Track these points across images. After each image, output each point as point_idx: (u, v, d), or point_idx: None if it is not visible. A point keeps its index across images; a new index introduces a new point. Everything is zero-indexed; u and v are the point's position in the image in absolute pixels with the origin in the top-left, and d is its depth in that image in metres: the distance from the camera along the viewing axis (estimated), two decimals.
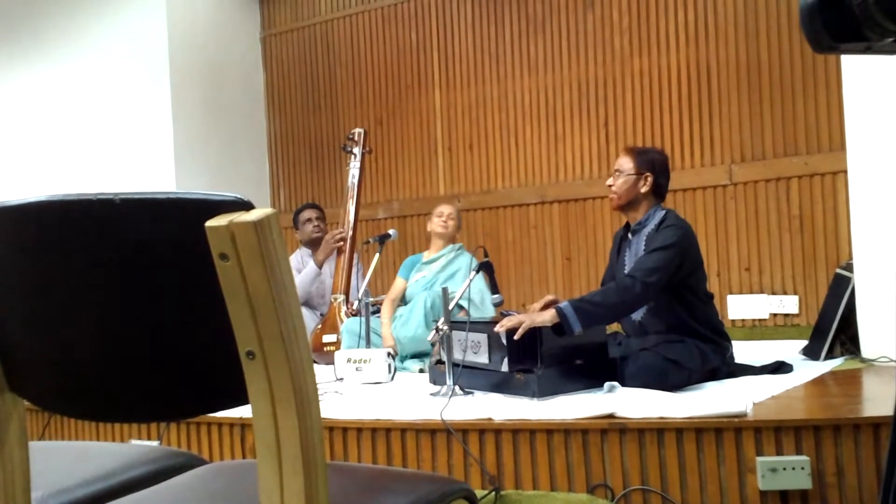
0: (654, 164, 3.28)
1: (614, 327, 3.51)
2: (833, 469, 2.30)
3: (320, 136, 6.29)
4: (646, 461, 2.45)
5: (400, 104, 5.94)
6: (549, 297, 3.10)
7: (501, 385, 3.05)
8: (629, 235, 3.35)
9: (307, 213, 5.14)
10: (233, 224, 0.84)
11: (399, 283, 4.41)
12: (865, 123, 3.49)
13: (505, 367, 3.03)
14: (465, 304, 3.87)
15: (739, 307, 4.74)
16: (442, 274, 4.29)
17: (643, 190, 3.27)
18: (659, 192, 3.31)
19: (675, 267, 3.08)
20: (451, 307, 3.25)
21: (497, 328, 3.00)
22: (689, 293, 3.18)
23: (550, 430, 2.55)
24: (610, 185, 3.33)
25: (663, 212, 3.27)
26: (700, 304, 3.21)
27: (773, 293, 4.69)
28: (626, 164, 3.30)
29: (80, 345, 0.97)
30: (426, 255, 4.49)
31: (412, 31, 5.88)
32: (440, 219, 4.43)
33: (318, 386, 0.91)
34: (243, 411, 0.92)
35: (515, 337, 2.94)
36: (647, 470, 2.45)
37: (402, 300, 4.39)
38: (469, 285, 3.51)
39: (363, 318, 3.90)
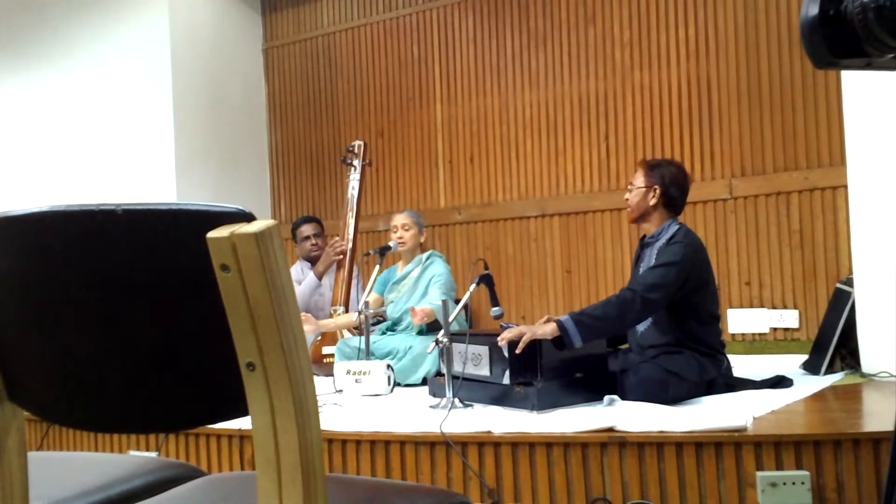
0: (663, 177, 3.30)
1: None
2: (833, 484, 2.30)
3: (321, 148, 6.30)
4: (645, 475, 2.45)
5: (401, 117, 5.95)
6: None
7: (501, 398, 3.05)
8: (644, 248, 3.38)
9: (305, 230, 5.11)
10: (234, 235, 0.84)
11: (373, 296, 4.33)
12: (865, 138, 3.50)
13: (506, 380, 3.02)
14: (462, 323, 3.75)
15: (739, 321, 4.73)
16: (413, 293, 4.22)
17: (652, 202, 3.30)
18: (671, 204, 3.32)
19: (678, 284, 3.08)
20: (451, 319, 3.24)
21: (498, 340, 3.00)
22: (688, 310, 3.17)
23: (550, 444, 2.54)
24: (627, 199, 3.39)
25: (676, 226, 3.29)
26: (697, 323, 3.19)
27: (774, 307, 4.68)
28: (638, 177, 3.36)
29: (80, 355, 0.97)
30: (399, 270, 4.43)
31: (414, 45, 5.90)
32: (395, 234, 4.36)
33: (317, 398, 0.91)
34: (242, 423, 0.92)
35: (517, 350, 2.93)
36: (647, 484, 2.44)
37: (384, 315, 4.34)
38: (468, 301, 3.45)
39: (363, 329, 3.89)
